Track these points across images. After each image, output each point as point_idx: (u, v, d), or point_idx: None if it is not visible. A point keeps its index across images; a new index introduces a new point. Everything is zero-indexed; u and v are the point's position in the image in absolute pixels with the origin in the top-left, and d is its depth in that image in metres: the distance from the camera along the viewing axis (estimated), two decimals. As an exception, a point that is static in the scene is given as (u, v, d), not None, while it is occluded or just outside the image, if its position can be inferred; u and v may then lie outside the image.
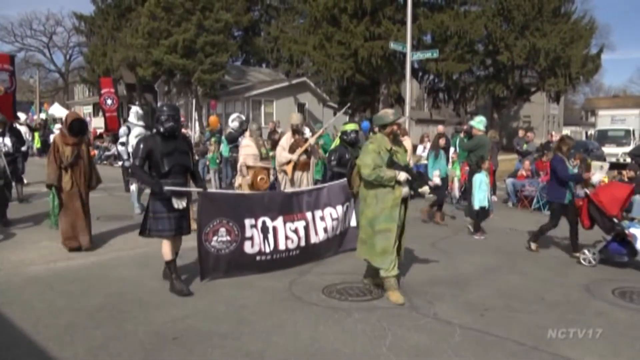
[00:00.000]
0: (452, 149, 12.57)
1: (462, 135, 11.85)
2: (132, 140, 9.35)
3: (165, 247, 5.29)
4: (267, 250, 5.92)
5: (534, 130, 19.74)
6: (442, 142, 9.62)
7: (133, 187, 9.86)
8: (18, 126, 11.95)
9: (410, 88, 19.10)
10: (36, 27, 54.59)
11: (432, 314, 4.78)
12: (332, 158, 7.57)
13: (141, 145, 5.16)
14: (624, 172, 10.00)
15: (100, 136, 28.62)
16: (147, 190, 6.26)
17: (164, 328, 4.34)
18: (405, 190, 5.12)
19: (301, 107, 30.71)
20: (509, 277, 6.05)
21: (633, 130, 23.49)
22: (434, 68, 28.35)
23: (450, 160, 12.40)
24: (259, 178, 7.82)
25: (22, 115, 14.27)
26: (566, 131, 40.70)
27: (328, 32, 27.52)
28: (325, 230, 6.55)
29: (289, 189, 7.53)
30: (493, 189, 12.25)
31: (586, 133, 38.47)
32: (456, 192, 11.96)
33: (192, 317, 4.59)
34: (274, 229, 5.99)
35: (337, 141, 7.95)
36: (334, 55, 27.47)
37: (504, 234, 8.52)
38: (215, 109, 27.78)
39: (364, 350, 3.99)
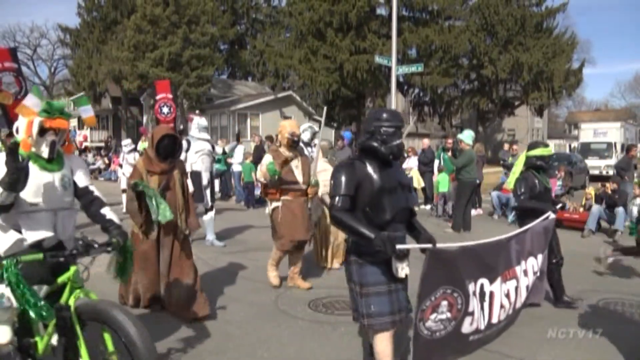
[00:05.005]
0: (436, 162, 12.74)
1: (449, 154, 10.54)
2: (192, 157, 7.82)
3: (384, 344, 3.12)
4: (482, 327, 3.85)
5: (519, 143, 19.93)
6: None
7: (207, 216, 8.05)
8: None
9: (395, 101, 19.23)
10: (20, 40, 53.91)
11: (419, 327, 4.76)
12: (522, 190, 5.49)
13: (343, 178, 3.04)
14: (607, 185, 10.10)
15: (85, 149, 28.47)
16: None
17: (147, 343, 4.27)
18: None
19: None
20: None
21: (615, 143, 23.84)
22: (419, 82, 28.67)
23: (436, 172, 12.57)
24: None
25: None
26: (551, 144, 41.10)
27: (314, 46, 27.71)
28: (527, 288, 4.54)
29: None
30: (478, 202, 12.35)
31: (570, 146, 38.89)
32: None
33: (178, 333, 4.53)
34: (491, 295, 3.92)
35: (519, 168, 5.89)
36: (320, 69, 27.64)
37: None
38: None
39: (351, 364, 3.96)
